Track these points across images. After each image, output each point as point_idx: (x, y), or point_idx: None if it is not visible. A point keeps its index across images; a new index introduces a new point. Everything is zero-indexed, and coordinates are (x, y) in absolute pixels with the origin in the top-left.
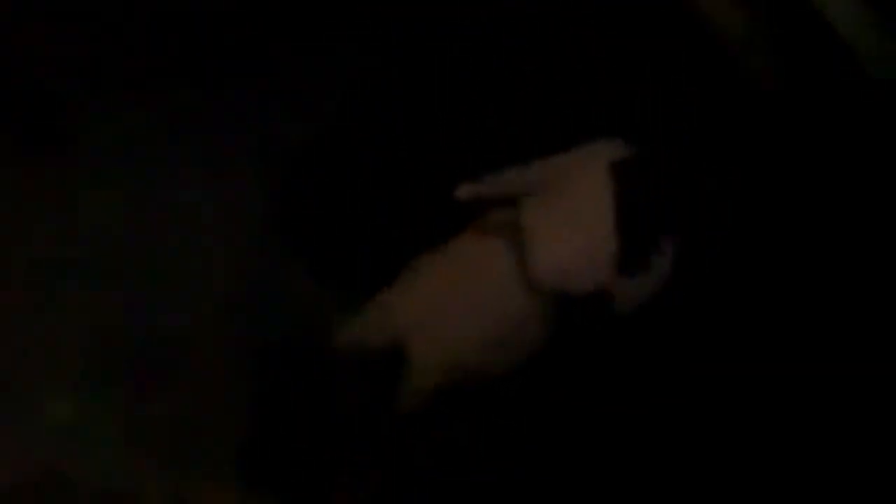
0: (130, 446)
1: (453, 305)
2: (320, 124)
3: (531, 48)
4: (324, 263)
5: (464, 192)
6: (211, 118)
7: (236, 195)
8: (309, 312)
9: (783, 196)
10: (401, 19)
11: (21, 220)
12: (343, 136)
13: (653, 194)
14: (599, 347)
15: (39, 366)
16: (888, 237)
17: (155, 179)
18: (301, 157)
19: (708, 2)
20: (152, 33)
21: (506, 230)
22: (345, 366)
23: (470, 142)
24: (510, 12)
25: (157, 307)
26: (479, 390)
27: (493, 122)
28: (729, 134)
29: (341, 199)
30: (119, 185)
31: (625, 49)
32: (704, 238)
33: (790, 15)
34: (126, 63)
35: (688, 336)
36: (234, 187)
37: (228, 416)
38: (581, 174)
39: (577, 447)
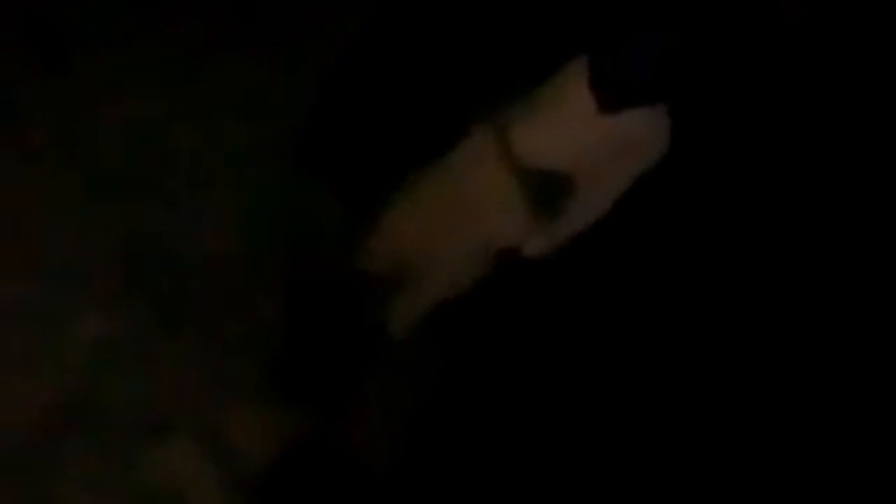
0: (162, 364)
1: (446, 218)
2: (340, 50)
3: None
4: (349, 186)
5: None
6: (227, 45)
7: (260, 117)
8: (336, 234)
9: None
10: None
11: (39, 142)
12: (362, 63)
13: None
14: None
15: (68, 284)
16: None
17: (171, 105)
18: (323, 82)
19: None
20: None
21: (492, 135)
22: (357, 289)
23: (484, 67)
24: None
25: (185, 226)
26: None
27: (503, 49)
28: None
29: (363, 123)
30: (137, 108)
31: None
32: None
33: None
34: None
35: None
36: (256, 109)
37: (258, 336)
38: (563, 76)
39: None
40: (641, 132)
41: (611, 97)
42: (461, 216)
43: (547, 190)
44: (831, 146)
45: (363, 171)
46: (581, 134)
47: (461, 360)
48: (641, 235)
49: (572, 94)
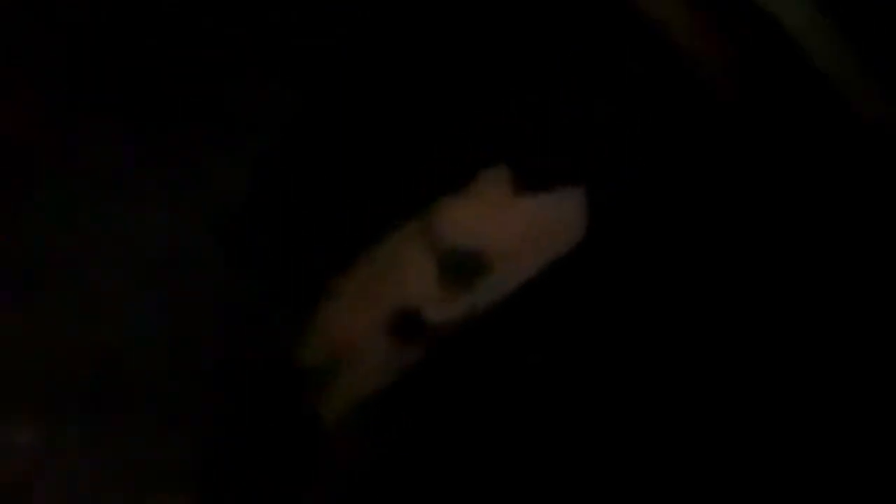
0: (94, 467)
1: (371, 300)
2: (262, 155)
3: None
4: (276, 281)
5: None
6: (158, 150)
7: (188, 213)
8: (266, 329)
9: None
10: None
11: None
12: (284, 164)
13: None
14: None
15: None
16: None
17: (103, 202)
18: (249, 181)
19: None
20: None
21: (419, 230)
22: (294, 382)
23: (405, 164)
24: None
25: (113, 327)
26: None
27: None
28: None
29: (287, 219)
30: (69, 210)
31: (574, 58)
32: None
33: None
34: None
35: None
36: (185, 205)
37: (190, 434)
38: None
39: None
40: (558, 215)
41: (526, 178)
42: (382, 295)
43: (461, 267)
44: (754, 233)
45: (297, 263)
46: (497, 215)
47: (394, 447)
48: (554, 314)
49: (492, 179)
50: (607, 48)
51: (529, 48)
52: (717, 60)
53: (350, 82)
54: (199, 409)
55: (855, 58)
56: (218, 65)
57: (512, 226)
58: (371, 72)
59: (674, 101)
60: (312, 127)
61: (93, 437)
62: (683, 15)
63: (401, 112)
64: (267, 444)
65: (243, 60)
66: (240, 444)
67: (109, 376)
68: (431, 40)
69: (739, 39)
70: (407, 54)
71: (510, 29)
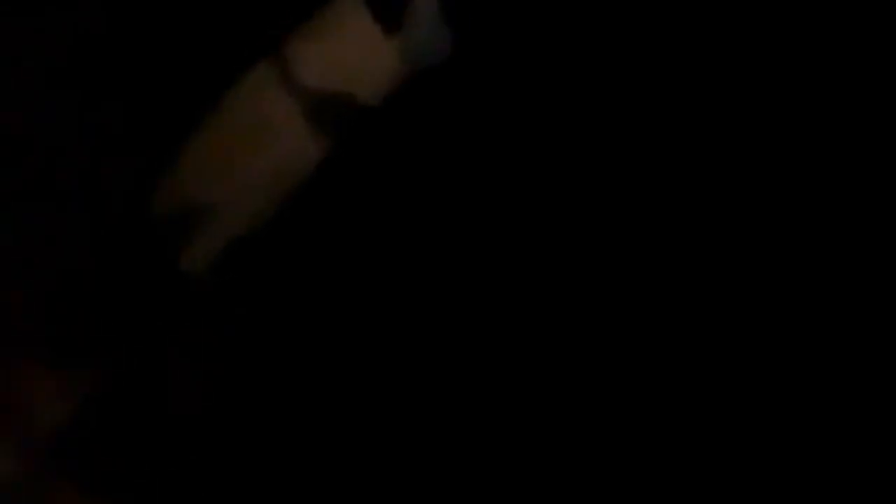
0: None
1: (235, 150)
2: None
3: None
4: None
5: None
6: None
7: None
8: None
9: None
10: None
11: None
12: None
13: None
14: None
15: None
16: None
17: None
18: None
19: None
20: None
21: (272, 63)
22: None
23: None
24: None
25: None
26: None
27: None
28: None
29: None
30: None
31: None
32: None
33: None
34: None
35: None
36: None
37: (46, 291)
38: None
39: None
40: (424, 44)
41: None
42: (248, 147)
43: (331, 112)
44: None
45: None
46: (359, 50)
47: (262, 297)
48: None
49: (352, 18)
50: None
51: None
52: None
53: None
54: (55, 263)
55: None
56: None
57: (379, 60)
58: None
59: None
60: None
61: None
62: None
63: None
64: (131, 298)
65: None
66: (103, 298)
67: None
68: None
69: None
70: None
71: None
